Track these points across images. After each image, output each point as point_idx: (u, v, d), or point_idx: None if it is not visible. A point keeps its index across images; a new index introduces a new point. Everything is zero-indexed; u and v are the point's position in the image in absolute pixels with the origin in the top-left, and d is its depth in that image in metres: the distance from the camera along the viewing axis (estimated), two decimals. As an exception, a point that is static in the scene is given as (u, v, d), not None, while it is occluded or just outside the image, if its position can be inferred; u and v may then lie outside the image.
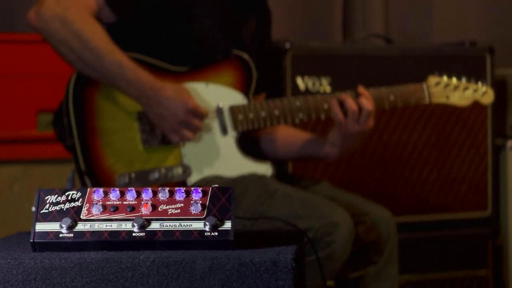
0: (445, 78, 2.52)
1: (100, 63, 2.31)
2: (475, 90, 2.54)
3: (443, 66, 3.09)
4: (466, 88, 2.54)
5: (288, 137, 2.60)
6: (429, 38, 3.82)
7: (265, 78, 2.58)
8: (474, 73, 2.56)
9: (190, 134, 2.37)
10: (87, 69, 2.33)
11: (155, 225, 1.48)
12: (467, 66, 3.14)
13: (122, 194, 1.52)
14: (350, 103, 2.38)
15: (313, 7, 3.73)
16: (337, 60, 3.05)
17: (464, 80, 2.54)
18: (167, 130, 2.36)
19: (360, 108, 2.38)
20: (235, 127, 2.43)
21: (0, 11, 3.35)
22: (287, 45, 2.97)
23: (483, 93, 2.55)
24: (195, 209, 1.49)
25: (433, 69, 2.56)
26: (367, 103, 2.38)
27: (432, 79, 2.52)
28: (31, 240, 1.47)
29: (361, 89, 2.42)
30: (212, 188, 1.52)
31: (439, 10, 3.85)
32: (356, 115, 2.38)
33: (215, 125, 2.43)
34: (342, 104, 2.40)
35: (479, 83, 2.55)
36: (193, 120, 2.36)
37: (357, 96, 2.42)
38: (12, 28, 3.34)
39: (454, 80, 2.53)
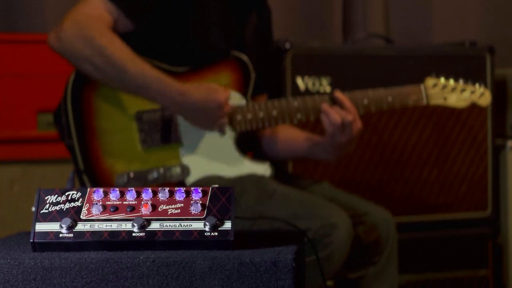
0: (442, 79, 2.53)
1: (124, 76, 2.31)
2: (473, 92, 2.54)
3: (443, 66, 3.10)
4: (463, 90, 2.54)
5: (290, 138, 2.60)
6: (429, 38, 3.82)
7: (266, 79, 2.58)
8: (474, 73, 2.56)
9: (225, 121, 2.39)
10: (113, 83, 2.34)
11: (155, 225, 1.48)
12: (467, 66, 3.14)
13: (122, 194, 1.52)
14: (333, 117, 2.38)
15: (313, 7, 3.73)
16: (337, 60, 3.05)
17: (461, 81, 2.54)
18: (204, 127, 2.40)
19: (342, 121, 2.38)
20: (233, 127, 2.44)
21: (0, 11, 3.35)
22: (287, 45, 2.97)
23: (481, 95, 2.55)
24: (195, 209, 1.49)
25: (433, 69, 2.56)
26: (346, 114, 2.38)
27: (430, 81, 2.52)
28: (31, 240, 1.47)
29: (338, 94, 2.42)
30: (212, 188, 1.52)
31: (439, 10, 3.85)
32: (341, 128, 2.38)
33: (214, 125, 2.44)
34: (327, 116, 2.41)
35: (477, 85, 2.55)
36: (226, 109, 2.38)
37: (333, 101, 2.41)
38: (12, 28, 3.34)
39: (452, 81, 2.53)
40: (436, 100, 2.52)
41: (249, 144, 2.56)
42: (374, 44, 3.42)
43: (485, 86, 2.62)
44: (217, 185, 1.54)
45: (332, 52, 3.08)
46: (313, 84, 3.00)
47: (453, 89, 2.52)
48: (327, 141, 2.44)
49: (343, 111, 2.39)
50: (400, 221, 2.72)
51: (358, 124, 2.40)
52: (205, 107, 2.35)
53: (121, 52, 2.31)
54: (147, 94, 2.34)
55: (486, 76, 3.15)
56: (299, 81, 2.98)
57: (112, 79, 2.33)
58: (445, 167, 3.17)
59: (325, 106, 2.41)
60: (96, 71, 2.32)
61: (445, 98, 2.53)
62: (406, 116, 3.11)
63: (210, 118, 2.37)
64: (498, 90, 3.22)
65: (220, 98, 2.36)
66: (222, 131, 2.41)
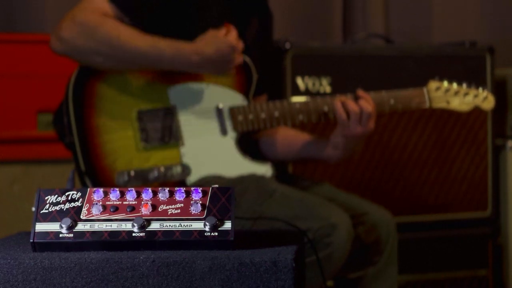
0: (445, 83, 2.53)
1: (136, 55, 2.31)
2: (476, 96, 2.54)
3: (443, 66, 3.10)
4: (466, 94, 2.54)
5: (288, 139, 2.60)
6: (429, 38, 3.82)
7: (266, 80, 2.58)
8: (474, 73, 2.55)
9: (239, 59, 2.40)
10: (127, 66, 2.35)
11: (155, 225, 1.48)
12: (467, 66, 3.14)
13: (122, 194, 1.52)
14: (352, 105, 2.38)
15: (313, 7, 3.73)
16: (337, 60, 3.05)
17: (464, 85, 2.54)
18: (224, 72, 2.40)
19: (361, 110, 2.38)
20: (235, 127, 2.44)
21: (0, 11, 3.35)
22: (287, 45, 2.97)
23: (484, 99, 2.55)
24: (195, 209, 1.49)
25: (433, 69, 2.56)
26: (367, 105, 2.38)
27: (433, 84, 2.52)
28: (31, 240, 1.47)
29: (361, 92, 2.42)
30: (212, 188, 1.52)
31: (439, 10, 3.85)
32: (358, 117, 2.38)
33: (215, 125, 2.44)
34: (343, 106, 2.40)
35: (480, 89, 2.55)
36: (239, 46, 2.38)
37: (356, 99, 2.42)
38: (12, 28, 3.34)
39: (455, 85, 2.53)
40: (439, 104, 2.52)
41: (248, 147, 2.56)
42: (374, 44, 3.41)
43: (485, 86, 2.62)
44: (217, 185, 1.54)
45: (332, 52, 3.08)
46: (313, 84, 3.00)
47: (456, 93, 2.53)
48: (341, 135, 2.42)
49: (363, 102, 2.38)
50: (400, 221, 2.72)
51: (373, 122, 2.40)
52: (221, 56, 2.35)
53: (125, 33, 2.31)
54: (162, 64, 2.34)
55: (486, 76, 3.15)
56: (299, 81, 2.98)
57: (125, 62, 2.33)
58: (445, 167, 3.17)
59: (344, 98, 2.40)
60: (107, 60, 2.32)
61: (448, 102, 2.53)
62: (406, 116, 3.11)
63: (228, 62, 2.37)
64: (498, 90, 3.22)
65: (229, 41, 2.36)
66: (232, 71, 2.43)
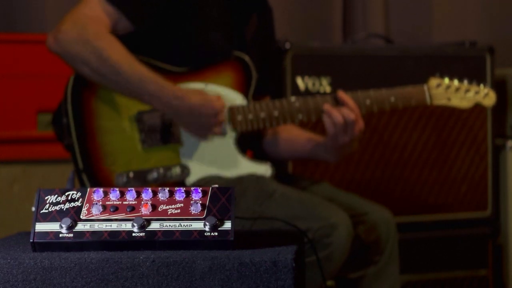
0: (446, 80, 2.52)
1: (121, 78, 2.31)
2: (477, 92, 2.54)
3: (443, 66, 3.10)
4: (467, 90, 2.53)
5: (292, 138, 2.60)
6: (429, 38, 3.82)
7: (268, 79, 2.58)
8: (474, 73, 2.56)
9: (219, 130, 2.38)
10: (110, 85, 2.34)
11: (155, 225, 1.48)
12: (467, 66, 3.14)
13: (122, 194, 1.52)
14: (336, 117, 2.38)
15: (313, 7, 3.73)
16: (337, 60, 3.05)
17: (465, 82, 2.54)
18: (198, 134, 2.39)
19: (344, 121, 2.38)
20: (234, 127, 2.43)
21: (0, 11, 3.35)
22: (287, 45, 2.97)
23: (485, 95, 2.55)
24: (195, 209, 1.49)
25: (433, 69, 2.55)
26: (350, 113, 2.38)
27: (433, 81, 2.51)
28: (31, 240, 1.47)
29: (341, 94, 2.42)
30: (212, 188, 1.52)
31: (439, 10, 3.85)
32: (342, 128, 2.38)
33: (215, 125, 2.44)
34: (329, 118, 2.41)
35: (481, 85, 2.55)
36: (220, 117, 2.37)
37: (336, 100, 2.42)
38: (12, 28, 3.34)
39: (456, 82, 2.53)
40: (440, 101, 2.52)
41: (251, 143, 2.56)
42: (374, 44, 3.41)
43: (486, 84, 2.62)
44: (217, 185, 1.54)
45: (332, 52, 3.08)
46: (313, 84, 3.00)
47: (457, 90, 2.52)
48: (329, 142, 2.45)
49: (345, 110, 2.39)
50: (400, 221, 2.72)
51: (361, 124, 2.40)
52: (201, 112, 2.35)
53: (118, 55, 2.31)
54: (142, 97, 2.34)
55: (486, 76, 3.15)
56: (299, 81, 2.98)
57: (109, 82, 2.33)
58: (445, 167, 3.17)
59: (327, 106, 2.41)
60: (93, 74, 2.32)
61: (448, 99, 2.52)
62: (407, 116, 3.11)
63: (204, 124, 2.36)
64: (498, 90, 3.21)
65: (216, 106, 2.35)
66: (207, 140, 2.42)
